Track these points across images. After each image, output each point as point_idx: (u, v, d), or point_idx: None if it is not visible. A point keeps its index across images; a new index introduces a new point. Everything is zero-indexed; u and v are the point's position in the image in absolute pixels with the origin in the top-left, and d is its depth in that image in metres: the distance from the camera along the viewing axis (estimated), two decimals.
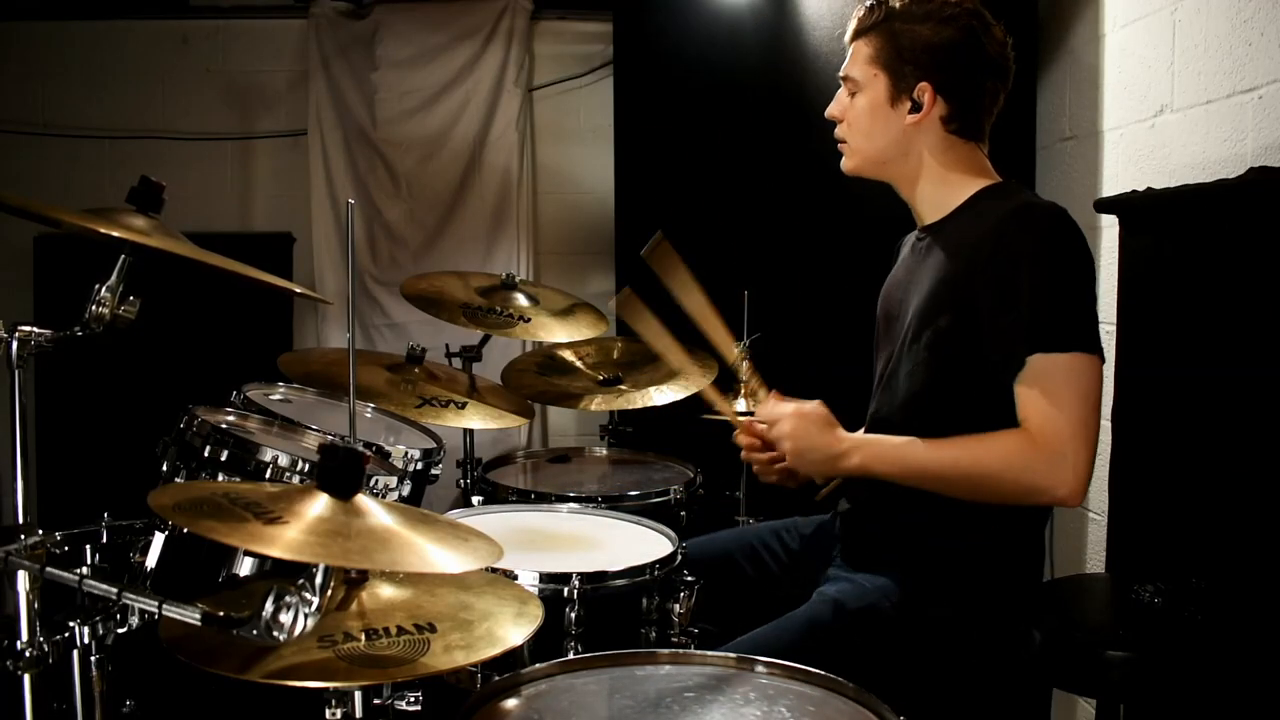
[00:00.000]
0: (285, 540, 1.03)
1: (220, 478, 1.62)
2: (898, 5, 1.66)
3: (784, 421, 1.63)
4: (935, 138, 1.66)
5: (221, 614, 1.01)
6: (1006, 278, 1.49)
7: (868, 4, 1.68)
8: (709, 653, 1.39)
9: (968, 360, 1.56)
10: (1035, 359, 1.47)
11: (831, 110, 1.74)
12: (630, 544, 1.86)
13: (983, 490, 1.52)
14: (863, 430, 1.74)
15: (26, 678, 1.16)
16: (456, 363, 2.57)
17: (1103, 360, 1.51)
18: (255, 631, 1.00)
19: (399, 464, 1.93)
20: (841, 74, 1.72)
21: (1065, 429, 1.45)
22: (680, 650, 1.48)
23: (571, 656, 1.42)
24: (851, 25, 1.71)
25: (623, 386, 2.55)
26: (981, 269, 1.52)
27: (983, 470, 1.50)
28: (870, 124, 1.69)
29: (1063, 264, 1.49)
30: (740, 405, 2.45)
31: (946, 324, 1.57)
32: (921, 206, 1.72)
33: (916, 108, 1.64)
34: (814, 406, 1.64)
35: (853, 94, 1.70)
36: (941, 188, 1.68)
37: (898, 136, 1.67)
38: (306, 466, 1.62)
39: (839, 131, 1.74)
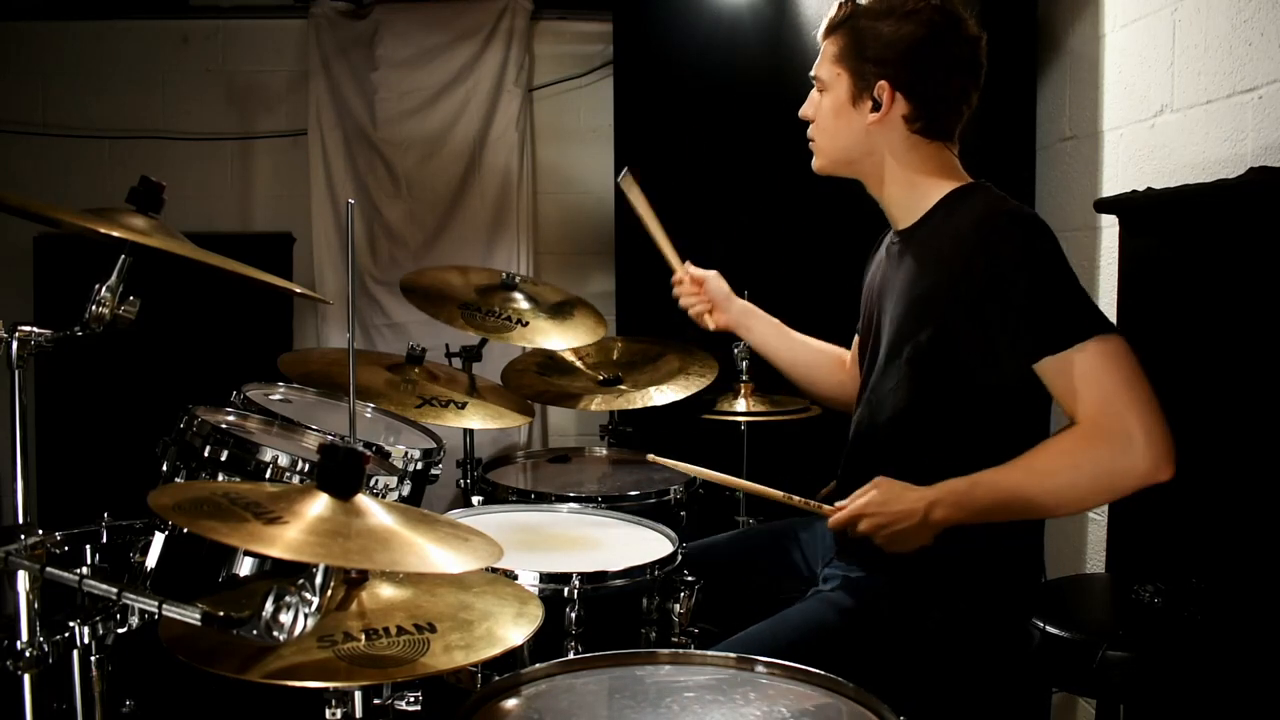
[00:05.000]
0: (285, 540, 1.03)
1: (220, 478, 1.62)
2: (864, 2, 1.64)
3: (864, 520, 1.53)
4: (898, 137, 1.63)
5: (221, 614, 1.01)
6: (998, 292, 1.47)
7: (839, 2, 1.67)
8: (709, 653, 1.39)
9: (951, 374, 1.55)
10: (1056, 358, 1.44)
11: (804, 110, 1.73)
12: (630, 544, 1.86)
13: (1070, 499, 1.47)
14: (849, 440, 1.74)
15: (26, 678, 1.16)
16: (456, 363, 2.57)
17: (1120, 334, 1.46)
18: (255, 631, 1.00)
19: (399, 464, 1.93)
20: (812, 74, 1.71)
21: (1116, 408, 1.41)
22: (680, 650, 1.48)
23: (571, 656, 1.42)
24: (823, 25, 1.70)
25: (623, 386, 2.56)
26: (962, 283, 1.51)
27: (1056, 481, 1.45)
28: (834, 123, 1.68)
29: (1049, 263, 1.48)
30: (740, 405, 2.46)
31: (927, 339, 1.56)
32: (892, 209, 1.70)
33: (877, 106, 1.62)
34: (883, 490, 1.53)
35: (821, 93, 1.70)
36: (909, 191, 1.66)
37: (860, 136, 1.65)
38: (306, 466, 1.62)
39: (810, 131, 1.73)
